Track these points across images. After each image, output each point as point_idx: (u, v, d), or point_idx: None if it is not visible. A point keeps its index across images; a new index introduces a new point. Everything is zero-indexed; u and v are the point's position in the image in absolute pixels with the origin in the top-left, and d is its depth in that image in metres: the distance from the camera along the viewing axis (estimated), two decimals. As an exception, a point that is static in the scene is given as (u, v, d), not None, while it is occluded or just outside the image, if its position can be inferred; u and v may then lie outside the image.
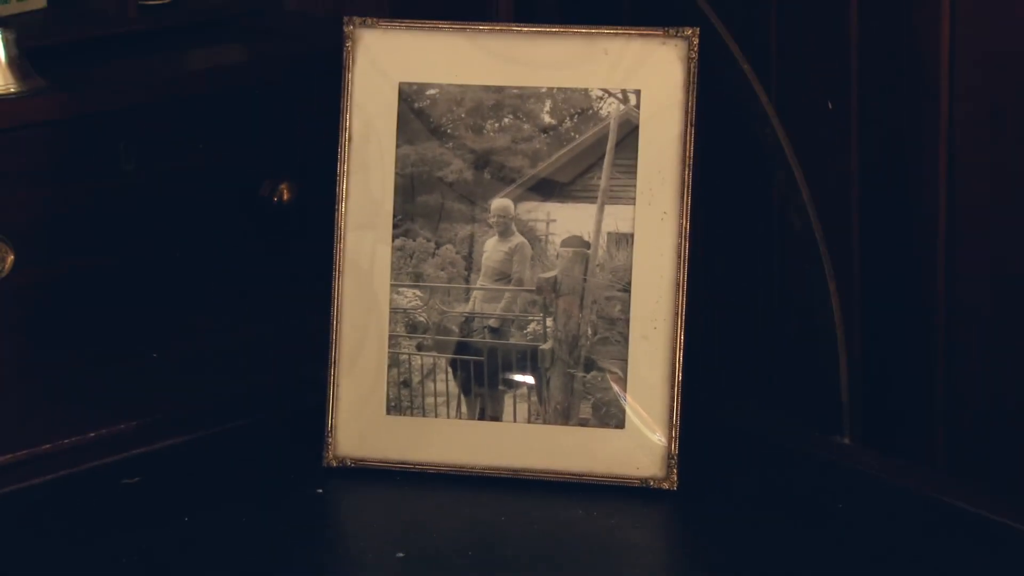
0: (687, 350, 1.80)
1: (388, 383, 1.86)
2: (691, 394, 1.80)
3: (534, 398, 1.84)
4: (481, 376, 1.85)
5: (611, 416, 1.82)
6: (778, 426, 1.95)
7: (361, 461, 1.84)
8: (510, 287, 1.84)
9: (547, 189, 1.85)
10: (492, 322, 1.85)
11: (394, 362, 1.86)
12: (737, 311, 2.04)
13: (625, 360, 1.82)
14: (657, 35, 1.84)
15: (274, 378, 2.01)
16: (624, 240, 1.84)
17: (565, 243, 1.86)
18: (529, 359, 1.85)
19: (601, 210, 1.84)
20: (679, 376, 1.80)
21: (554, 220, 1.85)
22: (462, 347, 1.86)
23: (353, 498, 1.79)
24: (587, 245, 1.85)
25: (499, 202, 1.86)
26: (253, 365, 2.03)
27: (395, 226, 1.87)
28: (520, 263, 1.85)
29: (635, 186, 1.83)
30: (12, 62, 1.61)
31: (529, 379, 1.85)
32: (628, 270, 1.83)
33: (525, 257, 1.85)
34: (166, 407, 1.93)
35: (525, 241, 1.85)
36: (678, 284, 1.81)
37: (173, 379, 1.97)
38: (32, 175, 1.92)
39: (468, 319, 1.85)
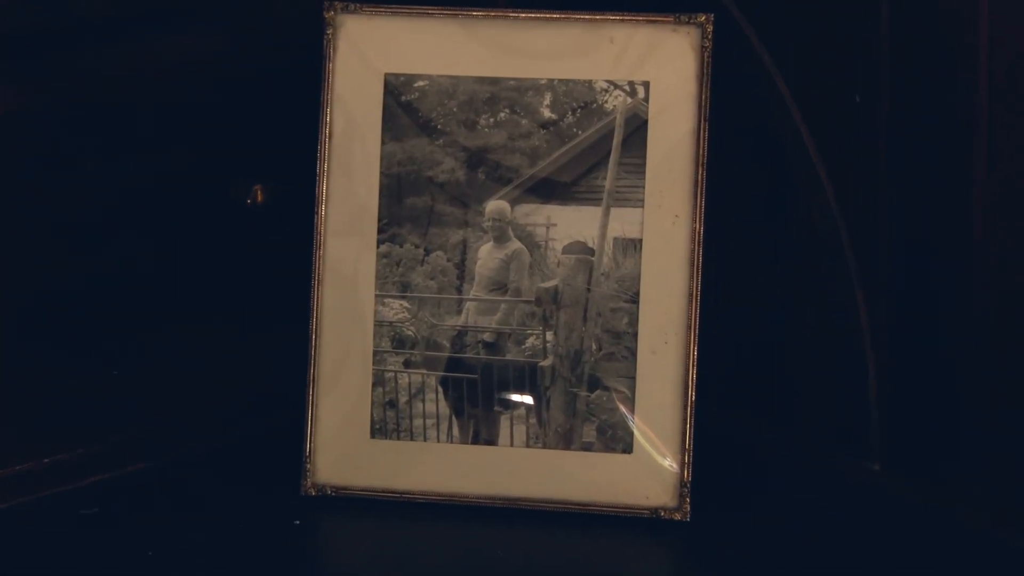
0: (700, 366, 1.79)
1: (372, 403, 1.85)
2: (705, 414, 1.79)
3: (533, 420, 1.83)
4: (475, 396, 1.84)
5: (617, 440, 1.81)
6: (799, 449, 1.95)
7: (343, 489, 1.84)
8: (506, 298, 1.84)
9: (547, 190, 1.85)
10: (487, 336, 1.84)
11: (379, 380, 1.85)
12: (753, 323, 2.02)
13: (633, 378, 1.82)
14: (668, 22, 1.83)
15: (248, 397, 2.00)
16: (632, 246, 1.83)
17: (567, 249, 1.85)
18: (527, 377, 1.84)
19: (606, 213, 1.84)
20: (692, 395, 1.80)
21: (554, 224, 1.85)
22: (454, 364, 1.85)
23: (334, 530, 1.77)
24: (591, 252, 1.84)
25: (494, 204, 1.85)
26: (225, 383, 2.02)
27: (380, 231, 1.86)
28: (517, 271, 1.84)
29: (643, 187, 1.83)
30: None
31: (527, 399, 1.84)
32: (636, 279, 1.82)
33: (523, 265, 1.84)
34: (129, 430, 1.91)
35: (523, 247, 1.84)
36: (691, 294, 1.80)
37: (136, 398, 1.95)
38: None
39: (460, 333, 1.84)
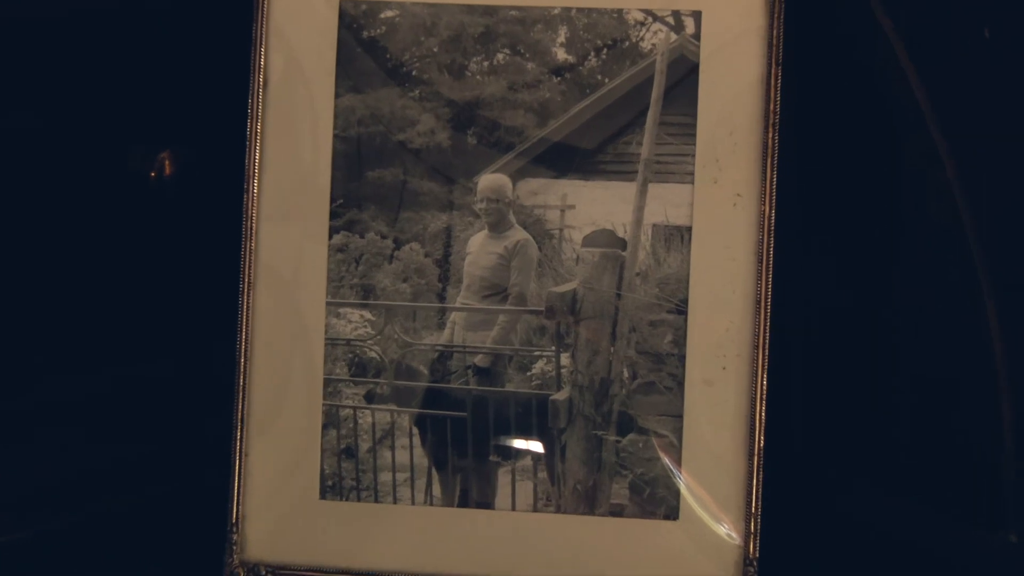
0: (771, 401, 1.81)
1: (323, 451, 1.85)
2: (778, 466, 1.82)
3: (543, 474, 1.83)
4: (462, 441, 1.83)
5: (658, 501, 1.83)
6: (907, 516, 1.96)
7: (282, 569, 1.85)
8: (506, 307, 1.83)
9: (562, 160, 1.85)
10: (479, 360, 1.84)
11: (332, 420, 1.85)
12: (845, 344, 2.04)
13: (679, 416, 1.83)
14: (725, -73, 1.85)
15: (161, 440, 2.02)
16: (677, 236, 1.84)
17: (589, 241, 1.85)
18: (535, 416, 1.84)
19: (643, 192, 1.84)
20: (760, 440, 1.81)
21: (572, 206, 1.85)
22: (434, 397, 1.85)
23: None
24: (622, 244, 1.84)
25: (490, 179, 1.84)
26: (131, 421, 2.04)
27: (333, 215, 1.86)
28: (521, 270, 1.84)
29: (693, 156, 1.83)
30: None
31: (535, 446, 1.84)
32: (683, 281, 1.83)
33: (529, 261, 1.84)
34: (12, 485, 1.92)
35: (529, 238, 1.85)
36: (759, 302, 1.82)
37: (20, 439, 1.96)
38: None
39: (443, 356, 1.85)
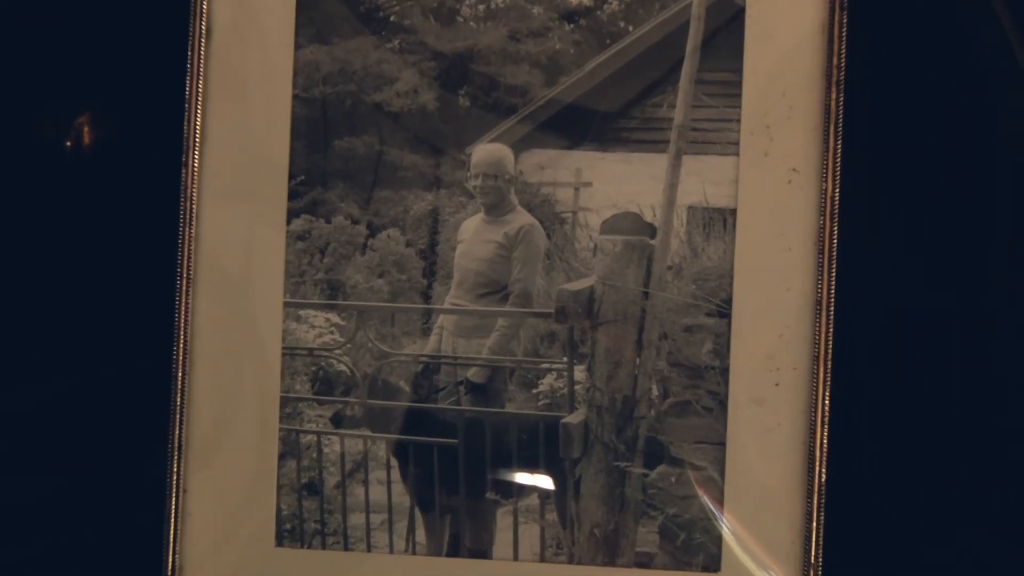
0: (836, 425, 1.80)
1: (279, 487, 1.84)
2: (839, 507, 1.81)
3: (552, 516, 1.83)
4: (452, 474, 1.83)
5: (695, 549, 1.82)
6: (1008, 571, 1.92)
7: (229, 633, 1.87)
8: (507, 308, 1.83)
9: (576, 126, 1.84)
10: (473, 374, 1.84)
11: (290, 448, 1.85)
12: (924, 355, 1.98)
13: (721, 444, 1.82)
14: None
15: (78, 474, 1.99)
16: (719, 221, 1.84)
17: (609, 226, 1.85)
18: (542, 443, 1.83)
19: (676, 165, 1.83)
20: (821, 474, 1.80)
21: (589, 184, 1.84)
22: (417, 420, 1.84)
23: None
24: (650, 231, 1.84)
25: (487, 150, 1.84)
26: (42, 449, 2.01)
27: (293, 195, 1.86)
28: (525, 263, 1.84)
29: (738, 121, 1.83)
30: None
31: (542, 481, 1.83)
32: (727, 277, 1.83)
33: (534, 252, 1.84)
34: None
35: (534, 223, 1.85)
36: (820, 303, 1.81)
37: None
38: None
39: (429, 369, 1.84)
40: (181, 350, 1.77)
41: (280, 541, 1.75)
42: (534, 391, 1.76)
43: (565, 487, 1.75)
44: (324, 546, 1.75)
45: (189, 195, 1.79)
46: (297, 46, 1.77)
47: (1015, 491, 1.91)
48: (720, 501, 1.76)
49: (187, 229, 1.78)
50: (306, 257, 1.77)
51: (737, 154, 1.77)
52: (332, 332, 1.76)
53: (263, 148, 1.79)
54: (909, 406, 1.96)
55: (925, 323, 1.94)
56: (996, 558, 1.89)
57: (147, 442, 1.81)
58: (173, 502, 1.77)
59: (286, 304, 1.76)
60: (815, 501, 1.75)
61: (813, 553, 1.74)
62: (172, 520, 1.77)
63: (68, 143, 2.02)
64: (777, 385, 1.77)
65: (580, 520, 1.76)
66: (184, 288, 1.78)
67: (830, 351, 1.76)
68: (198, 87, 1.79)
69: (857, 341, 1.82)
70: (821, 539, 1.75)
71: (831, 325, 1.75)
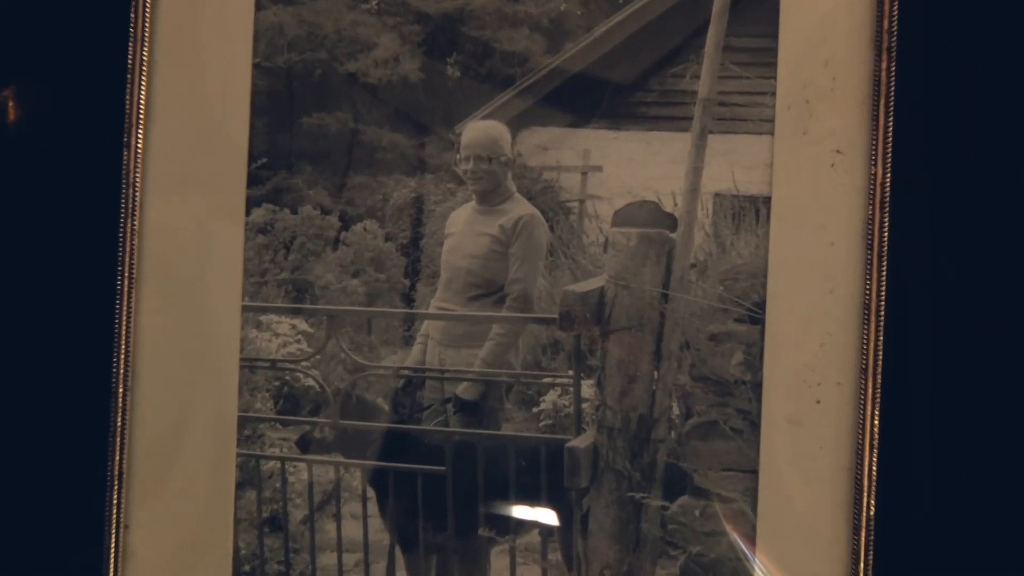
0: (886, 449, 1.74)
1: (237, 522, 1.78)
2: (890, 544, 1.73)
3: (555, 556, 1.78)
4: (439, 508, 1.80)
5: None
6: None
7: None
8: (502, 313, 1.78)
9: (584, 100, 1.80)
10: (464, 390, 1.80)
11: (250, 477, 1.81)
12: (988, 368, 1.89)
13: (753, 472, 1.76)
14: None
15: (4, 507, 1.90)
16: (750, 211, 1.79)
17: (622, 218, 1.81)
18: (544, 471, 1.79)
19: (700, 146, 1.78)
20: (870, 506, 1.73)
21: (598, 168, 1.80)
22: (398, 445, 1.81)
23: None
24: (670, 222, 1.79)
25: (479, 129, 1.80)
26: None
27: (253, 180, 1.82)
28: (525, 260, 1.80)
29: (773, 94, 1.76)
30: None
31: (544, 515, 1.79)
32: (760, 277, 1.76)
33: (535, 247, 1.81)
34: None
35: (535, 213, 1.81)
36: (868, 306, 1.74)
37: None
38: None
39: (411, 384, 1.80)
40: (122, 362, 1.71)
41: (238, 584, 1.70)
42: (534, 410, 1.72)
43: (571, 522, 1.70)
44: (289, 591, 1.71)
45: (132, 181, 1.73)
46: (258, 6, 1.72)
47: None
48: (752, 538, 1.69)
49: (129, 221, 1.73)
50: (268, 253, 1.73)
51: (772, 133, 1.70)
52: (298, 341, 1.72)
53: (218, 126, 1.73)
54: (970, 427, 1.89)
55: (988, 330, 1.87)
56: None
57: (83, 470, 1.75)
58: (113, 539, 1.72)
59: (245, 308, 1.71)
60: (862, 538, 1.68)
61: (861, 599, 1.72)
62: (112, 560, 1.71)
63: (-9, 121, 2.09)
64: (818, 402, 1.69)
65: (588, 560, 1.70)
66: (126, 290, 1.72)
67: (879, 362, 1.70)
68: (142, 54, 1.73)
69: (910, 350, 1.75)
70: (870, 581, 1.73)
71: (880, 332, 1.69)
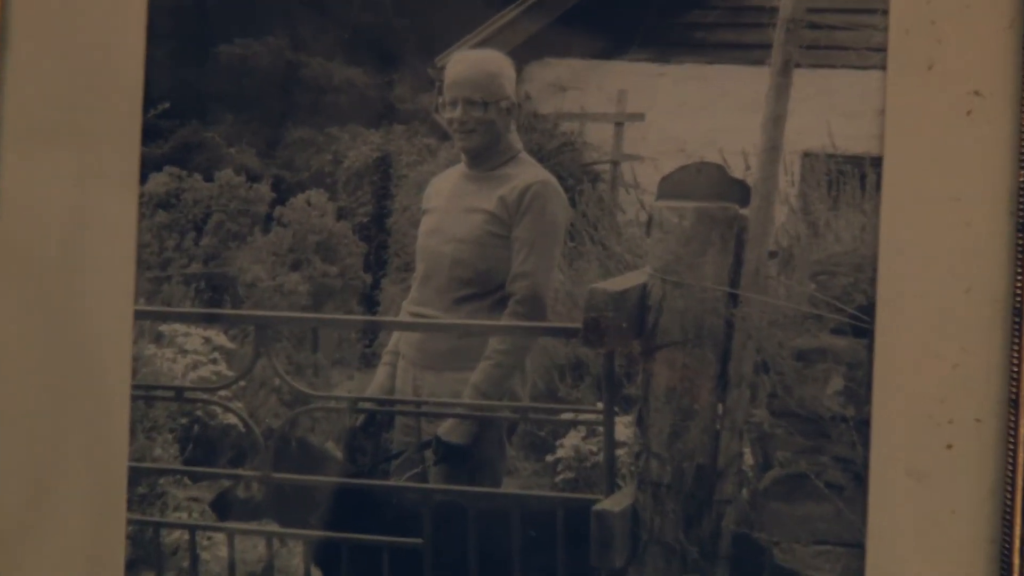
0: None
1: None
2: None
3: None
4: None
5: None
6: None
7: None
8: (503, 322, 1.53)
9: (616, 21, 1.56)
10: (448, 430, 1.56)
11: (146, 552, 1.57)
12: None
13: (859, 546, 1.51)
14: None
15: None
16: (853, 177, 1.57)
17: (673, 187, 1.54)
18: (563, 544, 1.55)
19: (782, 86, 1.52)
20: None
21: (639, 116, 1.56)
22: (354, 507, 1.57)
23: None
24: (739, 193, 1.55)
25: (470, 60, 1.55)
26: None
27: (151, 133, 1.61)
28: (534, 245, 1.58)
29: (884, 11, 1.51)
30: None
31: None
32: (866, 269, 1.55)
33: (549, 227, 1.58)
34: None
35: (549, 180, 1.58)
36: (1019, 309, 1.50)
37: None
38: None
39: (374, 420, 1.57)
40: (-32, 389, 1.73)
41: None
42: (549, 458, 1.48)
43: (601, 619, 1.73)
44: None
45: (-17, 133, 1.77)
46: None
47: None
48: (857, 641, 1.71)
49: (-23, 188, 1.75)
50: (172, 237, 1.47)
51: (883, 67, 1.45)
52: (215, 361, 1.47)
53: (101, 59, 1.47)
54: None
55: None
56: None
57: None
58: (-47, 638, 1.69)
59: (138, 314, 1.46)
60: (1011, 636, 1.71)
61: None
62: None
63: None
64: (950, 448, 1.44)
65: (625, 669, 1.74)
66: (-25, 288, 1.75)
67: (1032, 390, 1.75)
68: (-5, -40, 1.76)
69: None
70: None
71: (1040, 348, 1.73)
